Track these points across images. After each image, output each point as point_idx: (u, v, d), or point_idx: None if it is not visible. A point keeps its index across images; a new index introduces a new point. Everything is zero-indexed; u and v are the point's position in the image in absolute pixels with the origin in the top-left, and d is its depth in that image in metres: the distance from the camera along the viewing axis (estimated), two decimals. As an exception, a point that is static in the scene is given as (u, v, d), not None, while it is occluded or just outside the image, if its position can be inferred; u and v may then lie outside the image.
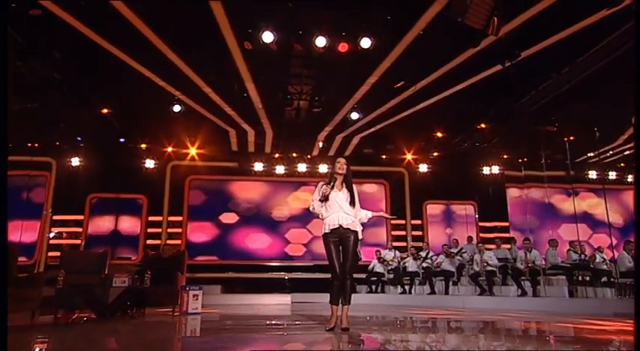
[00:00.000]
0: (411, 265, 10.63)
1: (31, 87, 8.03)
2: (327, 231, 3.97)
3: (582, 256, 9.34)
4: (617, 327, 4.66)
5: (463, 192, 13.43)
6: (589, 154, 12.83)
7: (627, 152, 12.12)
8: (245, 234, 12.83)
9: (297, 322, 5.25)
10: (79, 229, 11.95)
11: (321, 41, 7.30)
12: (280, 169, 12.94)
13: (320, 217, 4.09)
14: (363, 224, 4.15)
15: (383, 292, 10.89)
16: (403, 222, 13.45)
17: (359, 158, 13.23)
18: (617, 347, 3.26)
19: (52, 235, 11.71)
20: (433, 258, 10.48)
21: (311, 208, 4.13)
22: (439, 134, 12.21)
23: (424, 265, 10.50)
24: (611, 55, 7.66)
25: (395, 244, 12.33)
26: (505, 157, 13.27)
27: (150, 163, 12.30)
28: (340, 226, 3.96)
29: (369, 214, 4.22)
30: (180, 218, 12.59)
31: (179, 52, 7.83)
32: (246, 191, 13.19)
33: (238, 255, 12.61)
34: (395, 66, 8.34)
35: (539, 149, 11.80)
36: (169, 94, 9.35)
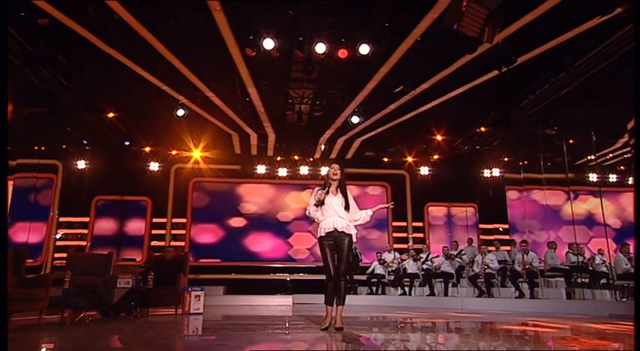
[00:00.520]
0: (411, 266, 10.75)
1: (39, 92, 8.23)
2: (322, 234, 4.12)
3: (580, 258, 9.43)
4: (598, 328, 4.77)
5: (464, 194, 13.54)
6: (589, 157, 12.90)
7: (627, 155, 12.20)
8: (248, 236, 13.00)
9: (294, 322, 5.40)
10: (85, 231, 12.16)
11: (320, 48, 7.46)
12: (283, 172, 13.12)
13: (315, 220, 4.23)
14: (366, 223, 4.30)
15: (383, 293, 11.02)
16: (404, 224, 13.59)
17: (360, 161, 13.44)
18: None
19: (58, 236, 11.92)
20: (433, 260, 10.61)
21: (307, 213, 4.27)
22: (440, 137, 12.35)
23: (424, 266, 10.62)
24: (608, 60, 7.78)
25: (396, 246, 12.48)
26: (506, 160, 13.38)
27: (154, 166, 12.51)
28: (335, 229, 4.11)
29: (369, 212, 4.34)
30: (183, 220, 12.78)
31: (183, 58, 8.02)
32: (249, 193, 13.37)
33: (241, 256, 12.78)
34: (394, 71, 8.50)
35: (539, 152, 11.89)
36: (173, 98, 9.55)
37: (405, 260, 11.11)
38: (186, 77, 8.64)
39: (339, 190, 4.22)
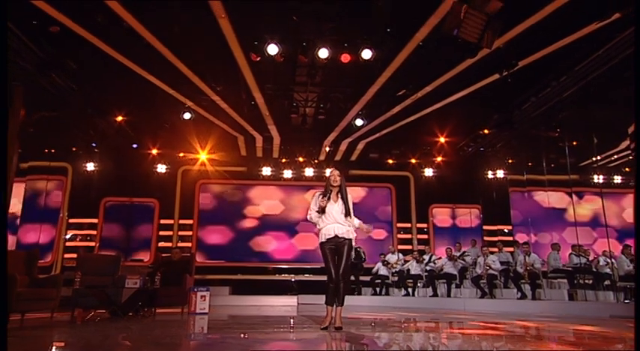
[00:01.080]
0: (414, 268, 10.85)
1: (50, 97, 8.45)
2: (323, 240, 4.29)
3: (583, 260, 9.47)
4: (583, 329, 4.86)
5: (468, 196, 13.61)
6: (594, 158, 12.91)
7: (631, 157, 12.20)
8: (254, 237, 13.16)
9: (296, 322, 5.54)
10: (94, 232, 12.37)
11: (323, 53, 7.60)
12: (288, 174, 13.27)
13: (317, 226, 4.38)
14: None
15: (387, 294, 11.12)
16: (409, 225, 13.69)
17: (365, 163, 13.56)
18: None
19: (67, 237, 12.16)
20: (436, 261, 10.70)
21: (308, 218, 4.42)
22: (444, 139, 12.43)
23: (427, 267, 10.71)
24: (608, 64, 7.83)
25: (401, 247, 12.58)
26: (510, 161, 13.42)
27: (161, 168, 12.71)
28: (336, 235, 4.27)
29: (357, 224, 4.40)
30: (190, 221, 12.97)
31: (189, 63, 8.21)
32: (255, 195, 13.54)
33: (247, 257, 12.94)
34: (396, 75, 8.62)
35: (542, 154, 11.95)
36: (180, 102, 9.74)
37: (408, 261, 11.21)
38: (192, 82, 8.83)
39: (339, 195, 4.35)
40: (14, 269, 5.51)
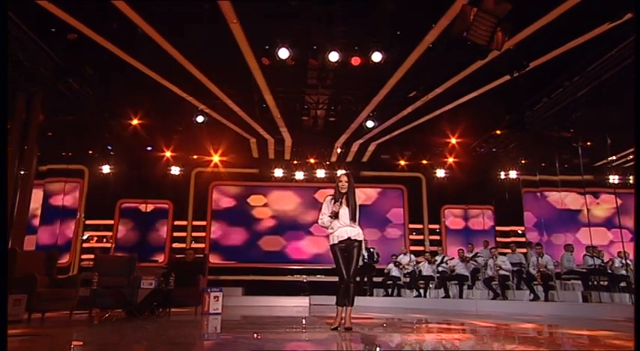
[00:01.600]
0: (426, 269, 10.85)
1: (68, 102, 8.67)
2: (335, 242, 4.37)
3: (597, 261, 9.38)
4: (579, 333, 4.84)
5: (480, 197, 13.54)
6: (609, 159, 12.75)
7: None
8: (266, 238, 13.28)
9: (307, 323, 5.62)
10: (109, 233, 12.61)
11: (334, 56, 7.68)
12: (299, 175, 13.36)
13: (330, 230, 4.46)
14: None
15: (399, 295, 11.12)
16: (421, 226, 13.68)
17: (376, 164, 13.59)
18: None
19: (84, 238, 12.41)
20: (448, 262, 10.69)
21: (320, 222, 4.51)
22: (455, 140, 12.40)
23: (440, 269, 10.71)
24: (621, 64, 7.77)
25: (413, 248, 12.57)
26: (523, 162, 13.32)
27: (175, 170, 12.91)
28: (349, 238, 4.37)
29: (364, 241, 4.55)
30: (204, 223, 13.13)
31: (202, 68, 8.36)
32: (267, 197, 13.66)
33: (260, 258, 13.06)
34: (407, 77, 8.65)
35: (555, 155, 11.84)
36: (193, 106, 9.90)
37: (420, 263, 11.21)
38: (205, 85, 8.98)
39: (347, 200, 4.42)
40: (34, 270, 5.70)
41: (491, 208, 13.68)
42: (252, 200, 13.59)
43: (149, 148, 12.60)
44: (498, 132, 11.68)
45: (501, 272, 9.40)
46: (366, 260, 11.33)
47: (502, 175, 13.23)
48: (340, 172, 4.72)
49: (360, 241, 4.38)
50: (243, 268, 12.83)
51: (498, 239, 12.94)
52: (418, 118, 10.67)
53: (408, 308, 9.68)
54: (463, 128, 11.71)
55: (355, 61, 7.94)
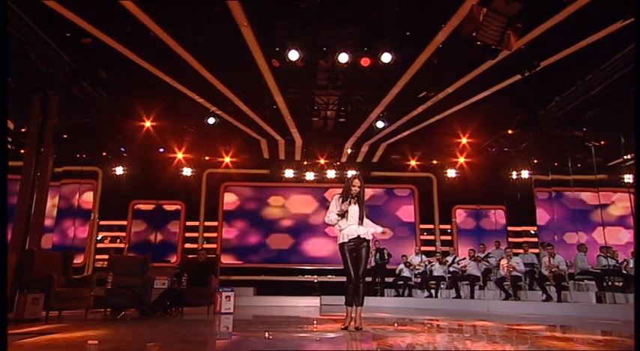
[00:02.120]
0: (437, 269, 10.83)
1: (82, 105, 8.84)
2: (345, 240, 4.40)
3: (612, 261, 9.26)
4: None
5: (492, 196, 13.46)
6: (624, 158, 12.58)
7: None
8: (277, 238, 13.36)
9: (317, 322, 5.67)
10: (123, 234, 12.79)
11: (343, 57, 7.71)
12: (310, 176, 13.41)
13: (337, 228, 4.49)
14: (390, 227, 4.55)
15: (410, 295, 11.11)
16: (432, 227, 13.65)
17: (387, 164, 13.58)
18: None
19: (98, 238, 12.61)
20: (460, 262, 10.65)
21: (327, 220, 4.54)
22: (467, 140, 12.34)
23: (451, 269, 10.67)
24: (634, 62, 7.67)
25: (424, 248, 12.54)
26: (535, 161, 13.20)
27: (187, 171, 13.05)
28: (358, 236, 4.40)
29: (379, 229, 4.60)
30: (215, 223, 13.26)
31: (213, 70, 8.47)
32: (278, 197, 13.73)
33: (271, 259, 13.14)
34: (417, 77, 8.65)
35: (568, 154, 11.72)
36: (205, 107, 10.02)
37: (431, 263, 11.19)
38: (216, 87, 9.08)
39: (356, 200, 4.46)
40: (51, 269, 5.84)
41: (503, 208, 13.58)
42: (263, 201, 13.67)
43: (161, 150, 12.75)
44: (510, 131, 11.61)
45: (515, 273, 9.33)
46: (377, 260, 11.37)
47: (514, 175, 13.13)
48: (351, 172, 4.76)
49: (369, 241, 4.42)
50: (255, 269, 12.92)
51: (510, 239, 12.85)
52: (428, 119, 10.64)
53: (419, 308, 9.67)
54: (474, 128, 11.64)
55: (365, 62, 7.95)
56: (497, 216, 13.58)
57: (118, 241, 12.73)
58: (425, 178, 13.89)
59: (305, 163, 13.45)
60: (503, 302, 9.15)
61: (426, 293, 10.74)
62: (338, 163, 13.49)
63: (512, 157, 12.88)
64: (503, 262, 9.66)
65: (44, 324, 5.00)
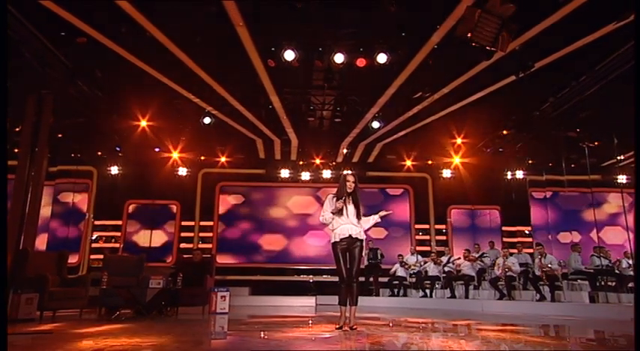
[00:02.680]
0: (432, 269, 10.87)
1: (78, 104, 8.81)
2: (336, 240, 4.41)
3: (604, 261, 9.34)
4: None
5: (487, 197, 13.51)
6: (617, 158, 12.68)
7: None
8: (272, 238, 13.35)
9: (312, 322, 5.68)
10: (118, 234, 12.74)
11: (339, 58, 7.72)
12: (306, 176, 13.42)
13: (330, 227, 4.51)
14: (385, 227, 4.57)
15: (405, 295, 11.15)
16: (427, 226, 13.69)
17: (382, 164, 13.61)
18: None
19: (93, 238, 12.57)
20: (455, 261, 10.69)
21: (322, 219, 4.55)
22: (462, 140, 12.39)
23: (446, 269, 10.72)
24: (629, 63, 7.72)
25: (419, 248, 12.58)
26: (530, 162, 13.28)
27: (182, 171, 13.03)
28: (350, 236, 4.40)
29: (376, 217, 4.63)
30: (211, 223, 13.23)
31: (209, 70, 8.45)
32: (273, 197, 13.73)
33: (266, 258, 13.14)
34: (412, 78, 8.67)
35: (562, 154, 11.81)
36: (200, 107, 10.00)
37: (426, 263, 11.23)
38: (212, 87, 9.06)
39: (351, 198, 4.48)
40: (46, 269, 5.82)
41: (498, 208, 13.64)
42: (259, 201, 13.67)
43: (157, 150, 12.72)
44: (505, 132, 11.66)
45: (510, 273, 9.39)
46: (370, 260, 11.39)
47: (509, 175, 13.20)
48: (346, 172, 4.78)
49: (362, 241, 4.42)
50: (250, 268, 12.92)
51: (505, 239, 12.91)
52: (424, 119, 10.68)
53: (413, 308, 9.71)
54: (469, 128, 11.68)
55: (361, 62, 7.98)
56: (491, 216, 13.64)
57: (113, 240, 12.68)
58: (420, 178, 13.92)
59: (301, 163, 13.46)
60: (498, 302, 9.20)
61: (421, 293, 10.78)
62: (334, 163, 13.51)
63: (507, 158, 12.94)
64: (500, 261, 9.71)
65: (39, 324, 4.99)
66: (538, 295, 8.90)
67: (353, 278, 4.30)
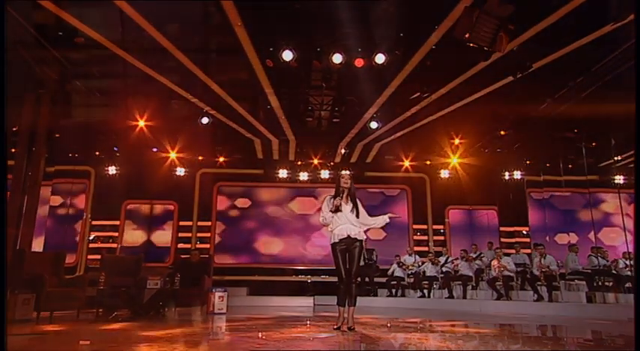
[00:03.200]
0: (430, 269, 10.88)
1: (76, 104, 8.79)
2: (335, 241, 4.40)
3: (602, 261, 9.37)
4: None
5: (485, 197, 13.53)
6: (615, 159, 12.72)
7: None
8: (271, 238, 13.34)
9: (310, 322, 5.67)
10: (115, 234, 12.69)
11: (337, 58, 7.72)
12: (304, 176, 13.41)
13: (329, 227, 4.50)
14: (382, 228, 4.56)
15: (403, 295, 11.16)
16: (425, 227, 13.70)
17: (381, 164, 13.61)
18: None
19: (91, 238, 12.53)
20: (453, 261, 10.70)
21: (322, 220, 4.55)
22: (460, 140, 12.40)
23: (444, 269, 10.73)
24: (627, 64, 7.75)
25: (417, 248, 12.59)
26: (528, 162, 13.31)
27: (180, 171, 13.00)
28: (348, 236, 4.39)
29: (387, 218, 4.59)
30: (209, 223, 13.20)
31: (207, 70, 8.43)
32: (271, 197, 13.71)
33: (264, 259, 13.12)
34: (410, 78, 8.67)
35: (560, 155, 11.84)
36: (198, 107, 9.98)
37: (424, 263, 11.24)
38: (210, 87, 9.05)
39: (349, 197, 4.47)
40: (43, 270, 5.79)
41: (496, 208, 13.67)
42: (257, 201, 13.65)
43: (155, 150, 12.68)
44: (503, 133, 11.68)
45: (506, 273, 9.41)
46: (366, 261, 11.39)
47: (506, 176, 13.23)
48: (343, 171, 4.78)
49: (361, 241, 4.41)
50: (248, 269, 12.90)
51: (503, 240, 12.93)
52: (422, 119, 10.68)
53: (411, 308, 9.71)
54: (467, 129, 11.70)
55: (359, 62, 7.97)
56: (489, 216, 13.65)
57: (111, 241, 12.64)
58: (418, 179, 13.93)
59: (299, 163, 13.45)
60: (495, 302, 9.22)
61: (419, 293, 10.79)
62: (332, 164, 13.50)
63: (504, 158, 12.97)
64: (494, 262, 9.73)
65: (36, 325, 4.97)
66: (536, 295, 8.92)
67: (352, 279, 4.30)
